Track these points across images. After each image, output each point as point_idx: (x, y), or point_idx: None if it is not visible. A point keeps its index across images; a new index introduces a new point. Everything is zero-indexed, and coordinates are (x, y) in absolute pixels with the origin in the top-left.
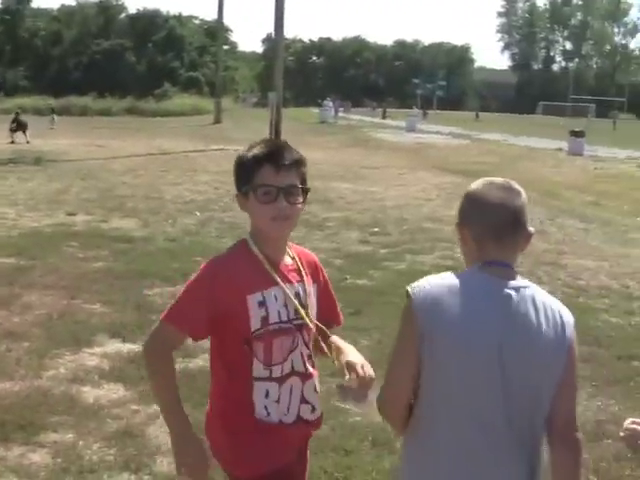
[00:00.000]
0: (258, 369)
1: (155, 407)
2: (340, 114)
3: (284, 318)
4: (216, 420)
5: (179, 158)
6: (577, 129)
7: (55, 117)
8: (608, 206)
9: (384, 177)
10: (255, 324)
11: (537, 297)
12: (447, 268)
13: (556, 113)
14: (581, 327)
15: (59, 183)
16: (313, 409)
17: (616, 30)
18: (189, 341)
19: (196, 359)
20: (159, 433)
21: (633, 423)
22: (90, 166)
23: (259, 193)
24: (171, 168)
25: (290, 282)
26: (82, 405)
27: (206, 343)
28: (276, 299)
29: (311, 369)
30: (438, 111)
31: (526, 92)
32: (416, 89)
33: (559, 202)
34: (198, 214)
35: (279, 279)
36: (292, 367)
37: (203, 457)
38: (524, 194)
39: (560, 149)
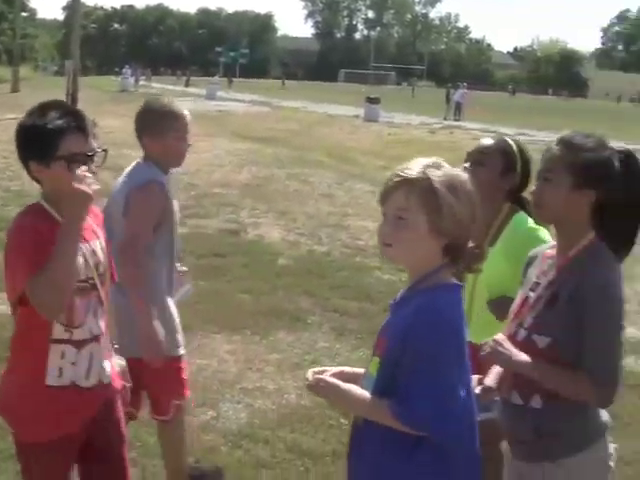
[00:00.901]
0: (59, 331)
1: None
2: (142, 82)
3: (82, 277)
4: (9, 378)
5: None
6: (373, 96)
7: None
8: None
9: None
10: None
11: None
12: (230, 232)
13: (358, 81)
14: (354, 285)
15: None
16: (105, 370)
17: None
18: None
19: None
20: None
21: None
22: None
23: (68, 162)
24: None
25: (87, 240)
26: None
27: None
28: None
29: (103, 328)
30: (242, 79)
31: (329, 60)
32: (219, 57)
33: (351, 167)
34: None
35: None
36: (91, 331)
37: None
38: None
39: (357, 116)
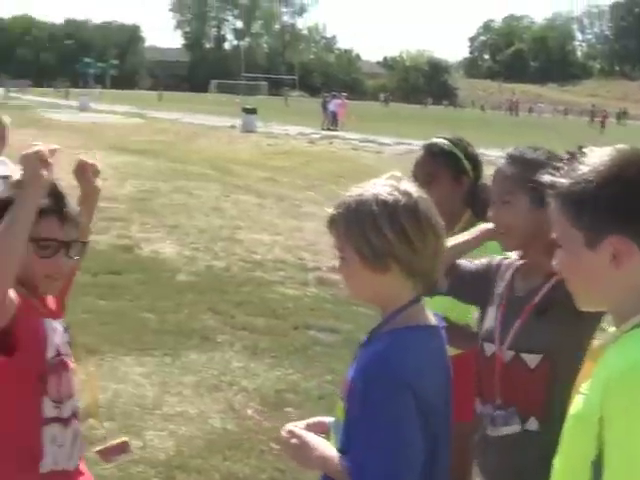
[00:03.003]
0: (48, 407)
1: None
2: (14, 94)
3: (63, 351)
4: None
5: None
6: (249, 106)
7: None
8: (282, 181)
9: (59, 158)
10: (51, 351)
11: None
12: (124, 248)
13: (229, 91)
14: (258, 301)
15: None
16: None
17: (285, 10)
18: None
19: None
20: None
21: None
22: None
23: (38, 246)
24: None
25: (59, 317)
26: None
27: None
28: (55, 331)
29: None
30: (113, 90)
31: (199, 71)
32: (88, 68)
33: (234, 178)
34: None
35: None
36: (72, 406)
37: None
38: None
39: (234, 126)
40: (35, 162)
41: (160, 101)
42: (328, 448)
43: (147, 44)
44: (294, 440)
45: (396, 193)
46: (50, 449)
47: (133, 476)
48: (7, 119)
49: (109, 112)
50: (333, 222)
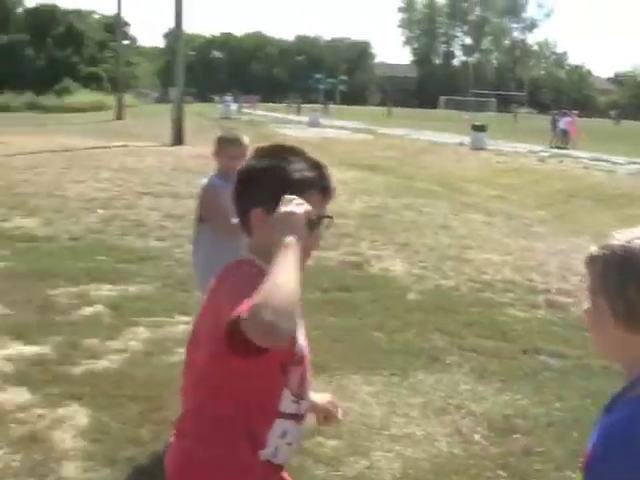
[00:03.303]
0: (287, 402)
1: (60, 411)
2: (246, 110)
3: (304, 346)
4: (204, 464)
5: (81, 155)
6: (478, 123)
7: None
8: (511, 199)
9: None
10: (298, 344)
11: None
12: (353, 265)
13: (457, 107)
14: (487, 322)
15: None
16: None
17: (515, 25)
18: (94, 342)
19: (101, 360)
20: (65, 437)
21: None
22: None
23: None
24: (73, 165)
25: None
26: None
27: (112, 344)
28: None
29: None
30: (342, 106)
31: (427, 87)
32: (318, 84)
33: (463, 196)
34: (101, 212)
35: None
36: (307, 406)
37: None
38: None
39: (462, 143)
40: (303, 226)
41: (389, 117)
42: None
43: (376, 60)
44: None
45: None
46: (275, 441)
47: None
48: (246, 139)
49: (339, 127)
50: (592, 261)
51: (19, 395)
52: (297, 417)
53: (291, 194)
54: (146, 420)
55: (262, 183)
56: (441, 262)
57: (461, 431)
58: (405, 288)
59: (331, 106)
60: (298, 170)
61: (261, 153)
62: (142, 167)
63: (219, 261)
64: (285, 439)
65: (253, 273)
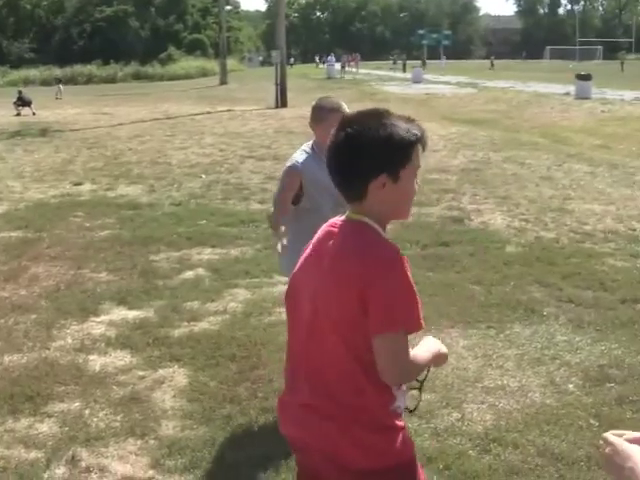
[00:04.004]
0: None
1: (161, 372)
2: (348, 69)
3: None
4: (351, 425)
5: (185, 122)
6: (583, 72)
7: (61, 87)
8: (616, 149)
9: None
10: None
11: None
12: (453, 219)
13: (563, 57)
14: (586, 273)
15: (65, 153)
16: None
17: None
18: (194, 305)
19: (201, 322)
20: (165, 397)
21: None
22: (96, 134)
23: (415, 175)
24: (177, 132)
25: None
26: (88, 374)
27: (212, 306)
28: None
29: None
30: (447, 60)
31: (533, 37)
32: (422, 40)
33: (567, 147)
34: (204, 177)
35: None
36: None
37: None
38: None
39: (568, 93)
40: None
41: (492, 69)
42: None
43: (480, 13)
44: (608, 449)
45: None
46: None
47: (450, 447)
48: (346, 108)
49: (442, 83)
50: None
51: (121, 358)
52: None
53: (407, 154)
54: (244, 379)
55: (380, 149)
56: (542, 214)
57: (555, 381)
58: (504, 241)
59: (436, 61)
60: (406, 130)
61: (358, 119)
62: (245, 131)
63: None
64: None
65: (381, 243)
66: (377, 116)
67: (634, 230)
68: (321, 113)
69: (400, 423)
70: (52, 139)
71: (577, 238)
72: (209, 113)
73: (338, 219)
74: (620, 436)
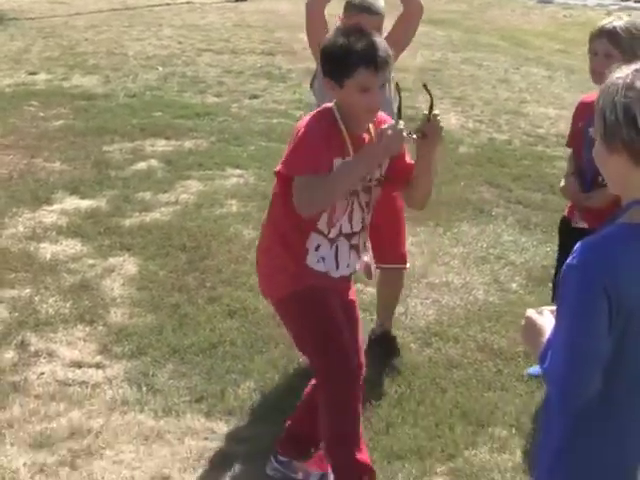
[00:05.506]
0: (322, 223)
1: (111, 260)
2: None
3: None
4: (266, 254)
5: (144, 13)
6: None
7: None
8: (575, 54)
9: None
10: None
11: None
12: (408, 118)
13: None
14: (537, 175)
15: (21, 42)
16: (348, 265)
17: None
18: (146, 195)
19: (152, 213)
20: (114, 285)
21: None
22: (53, 24)
23: (359, 89)
24: (135, 23)
25: None
26: (39, 261)
27: (164, 197)
28: None
29: (358, 228)
30: None
31: None
32: None
33: (526, 50)
34: (160, 69)
35: (351, 151)
36: (340, 230)
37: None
38: None
39: None
40: (397, 145)
41: None
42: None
43: None
44: (525, 322)
45: None
46: (314, 253)
47: None
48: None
49: None
50: None
51: (72, 246)
52: (328, 239)
53: (339, 66)
54: (193, 269)
55: (321, 55)
56: (496, 116)
57: (499, 280)
58: (457, 142)
59: None
60: (339, 45)
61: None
62: (204, 24)
63: None
64: (319, 252)
65: (328, 127)
66: (339, 29)
67: None
68: (348, 11)
69: (307, 271)
70: (7, 27)
71: (530, 141)
72: (168, 5)
73: None
74: (540, 313)
